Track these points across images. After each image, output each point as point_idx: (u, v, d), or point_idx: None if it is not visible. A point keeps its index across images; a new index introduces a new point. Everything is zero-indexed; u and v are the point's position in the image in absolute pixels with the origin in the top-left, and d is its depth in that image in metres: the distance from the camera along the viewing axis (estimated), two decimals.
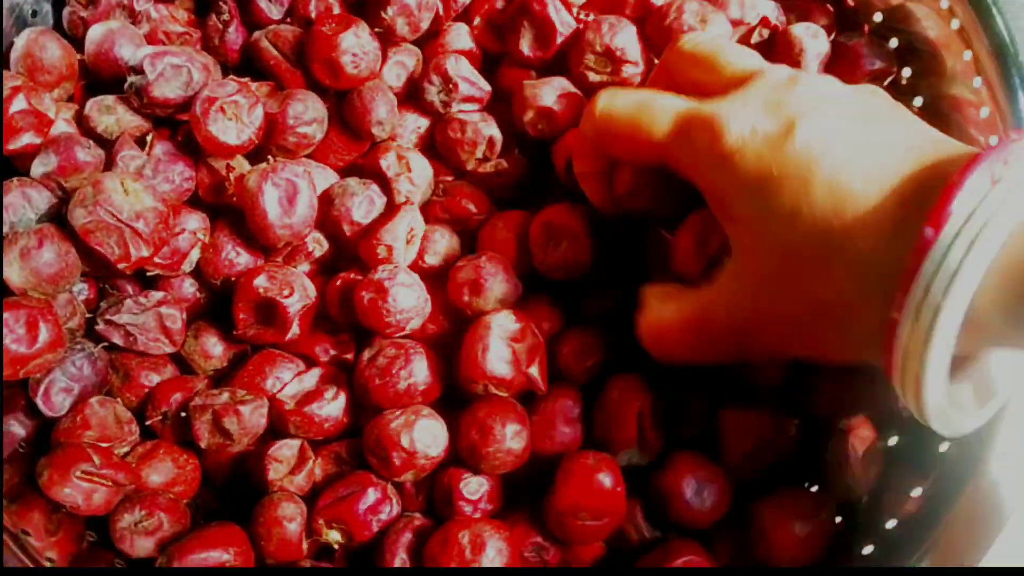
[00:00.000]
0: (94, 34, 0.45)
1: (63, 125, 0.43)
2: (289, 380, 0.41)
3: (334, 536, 0.37)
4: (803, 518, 0.37)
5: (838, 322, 0.29)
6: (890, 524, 0.37)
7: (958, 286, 0.24)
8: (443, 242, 0.44)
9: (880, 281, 0.27)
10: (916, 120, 0.31)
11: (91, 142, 0.42)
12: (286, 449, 0.39)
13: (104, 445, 0.38)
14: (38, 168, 0.41)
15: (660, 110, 0.34)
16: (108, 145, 0.42)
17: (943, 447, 0.37)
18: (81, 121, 0.43)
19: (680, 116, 0.33)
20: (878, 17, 0.46)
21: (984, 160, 0.25)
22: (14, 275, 0.37)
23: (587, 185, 0.41)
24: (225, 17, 0.45)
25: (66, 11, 0.46)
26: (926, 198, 0.26)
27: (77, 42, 0.45)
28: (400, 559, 0.36)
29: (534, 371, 0.38)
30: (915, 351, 0.26)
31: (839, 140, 0.29)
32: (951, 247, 0.24)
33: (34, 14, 0.46)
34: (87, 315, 0.41)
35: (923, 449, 0.38)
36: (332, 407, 0.40)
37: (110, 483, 0.37)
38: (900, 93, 0.45)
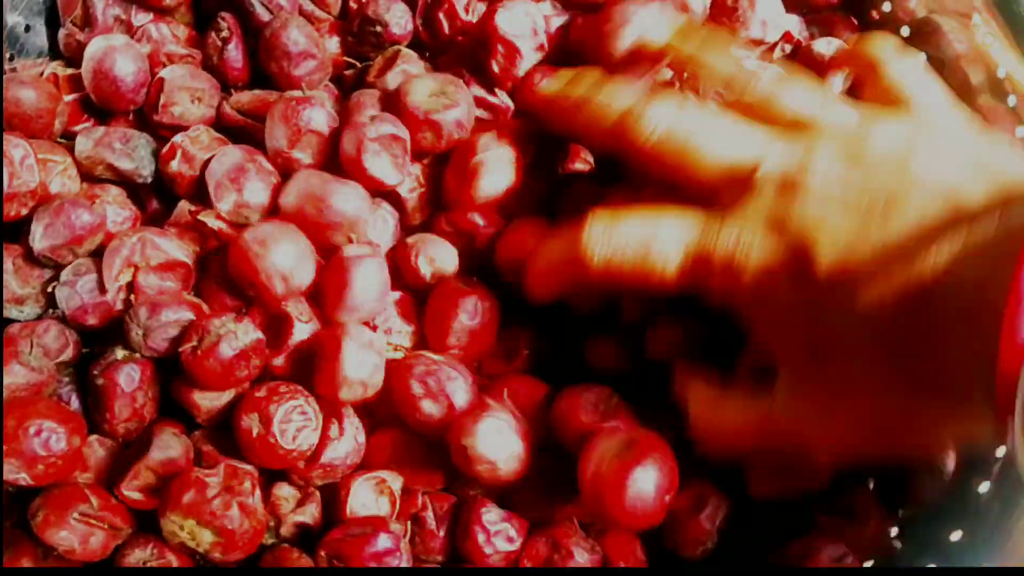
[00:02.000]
0: (93, 49, 0.42)
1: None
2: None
3: None
4: None
5: (918, 429, 0.29)
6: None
7: None
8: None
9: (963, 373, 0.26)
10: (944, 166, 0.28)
11: None
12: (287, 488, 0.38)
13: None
14: None
15: (665, 249, 0.31)
16: None
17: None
18: None
19: (689, 254, 0.31)
20: (904, 31, 0.45)
21: None
22: None
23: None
24: (225, 34, 0.44)
25: (61, 32, 0.44)
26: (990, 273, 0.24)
27: (75, 63, 0.44)
28: None
29: None
30: None
31: (861, 252, 0.27)
32: None
33: (27, 29, 0.44)
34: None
35: None
36: (344, 442, 0.38)
37: (108, 526, 0.35)
38: None
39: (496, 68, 0.42)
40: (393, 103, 0.41)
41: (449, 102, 0.40)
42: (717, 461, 0.35)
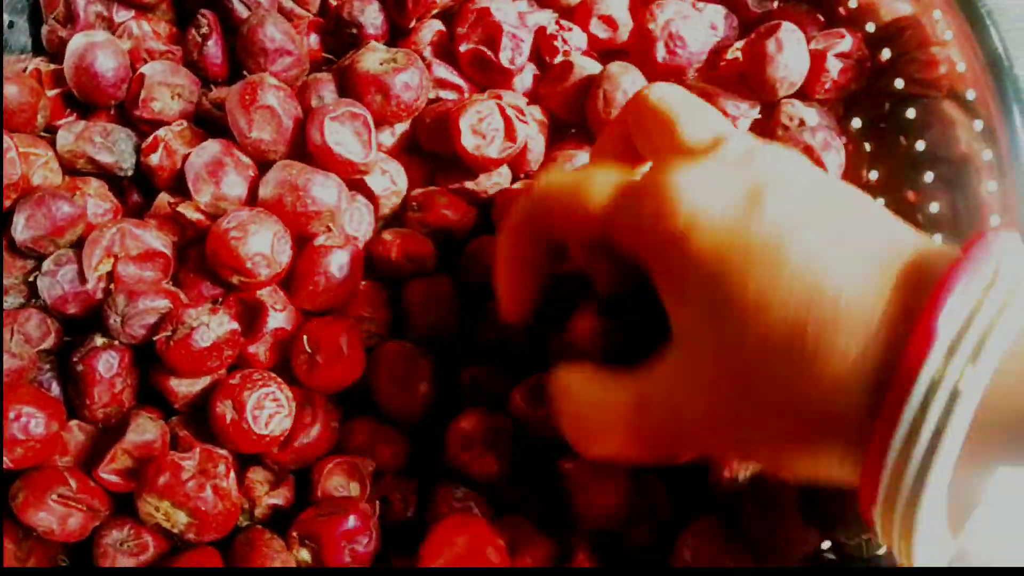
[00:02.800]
0: (75, 46, 0.43)
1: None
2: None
3: (303, 555, 0.36)
4: None
5: (807, 431, 0.25)
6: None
7: (957, 410, 0.21)
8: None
9: (863, 390, 0.23)
10: (883, 211, 0.27)
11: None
12: (261, 472, 0.39)
13: None
14: None
15: (600, 179, 0.30)
16: None
17: None
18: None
19: (622, 184, 0.29)
20: (870, 27, 0.46)
21: (971, 262, 0.23)
22: None
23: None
24: (204, 31, 0.45)
25: (44, 29, 0.45)
26: (911, 300, 0.23)
27: (58, 59, 0.45)
28: None
29: None
30: (906, 483, 0.22)
31: (810, 219, 0.25)
32: (947, 365, 0.21)
33: (11, 25, 0.45)
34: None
35: None
36: (317, 428, 0.39)
37: (86, 508, 0.36)
38: (894, 105, 0.45)
39: (505, 61, 0.44)
40: (345, 74, 0.42)
41: (399, 66, 0.42)
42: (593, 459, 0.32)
